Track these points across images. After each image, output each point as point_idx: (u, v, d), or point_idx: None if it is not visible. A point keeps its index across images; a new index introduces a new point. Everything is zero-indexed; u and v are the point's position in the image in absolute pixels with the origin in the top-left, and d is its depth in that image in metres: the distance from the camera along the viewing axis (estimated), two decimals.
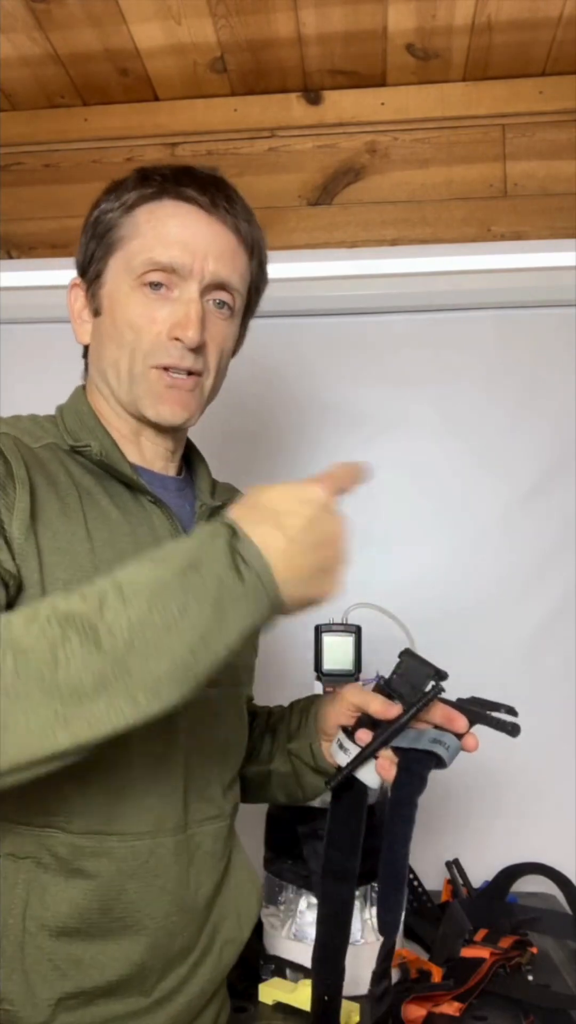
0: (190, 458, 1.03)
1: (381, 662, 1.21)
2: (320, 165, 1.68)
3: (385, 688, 0.88)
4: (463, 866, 1.46)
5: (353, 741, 0.87)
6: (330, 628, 1.24)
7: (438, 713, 0.86)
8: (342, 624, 1.24)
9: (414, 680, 0.86)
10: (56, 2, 1.43)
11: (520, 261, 1.59)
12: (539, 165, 1.64)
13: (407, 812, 0.83)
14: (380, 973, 0.83)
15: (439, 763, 0.84)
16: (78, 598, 0.64)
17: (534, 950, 1.22)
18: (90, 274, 0.93)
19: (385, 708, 0.86)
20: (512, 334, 1.63)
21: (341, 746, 0.88)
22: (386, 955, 0.83)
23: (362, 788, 0.87)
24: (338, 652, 1.23)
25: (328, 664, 1.23)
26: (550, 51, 1.55)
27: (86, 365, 0.99)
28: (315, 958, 0.88)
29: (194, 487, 1.01)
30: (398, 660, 0.89)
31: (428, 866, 1.46)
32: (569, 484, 1.59)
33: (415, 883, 1.40)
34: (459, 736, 0.85)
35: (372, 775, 0.86)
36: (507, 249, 1.60)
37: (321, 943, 0.87)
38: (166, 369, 0.89)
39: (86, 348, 0.98)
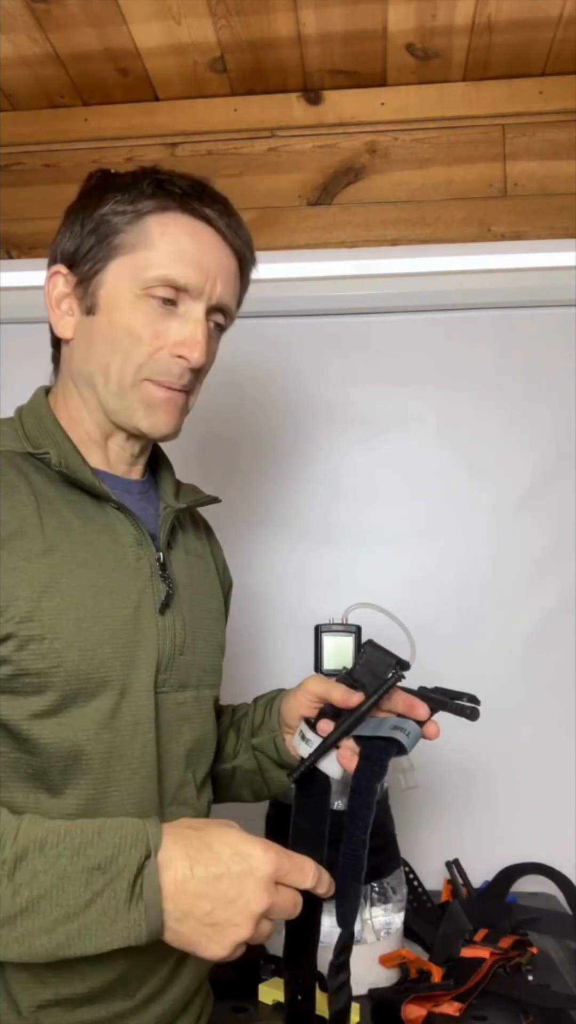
0: (155, 460, 1.02)
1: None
2: (320, 165, 1.68)
3: (348, 679, 0.90)
4: (463, 866, 1.46)
5: (315, 731, 0.88)
6: (330, 628, 1.24)
7: (400, 701, 0.87)
8: (342, 624, 1.24)
9: (376, 669, 0.88)
10: (56, 2, 1.43)
11: (520, 261, 1.59)
12: (539, 165, 1.64)
13: (367, 798, 0.83)
14: (338, 965, 0.82)
15: (400, 750, 0.84)
16: None
17: (534, 950, 1.22)
18: (83, 269, 0.89)
19: (346, 696, 0.88)
20: (512, 334, 1.63)
21: (303, 736, 0.89)
22: (343, 947, 0.82)
23: (325, 780, 0.88)
24: (338, 652, 1.23)
25: (328, 664, 1.23)
26: (550, 51, 1.55)
27: (56, 360, 0.96)
28: (285, 957, 0.87)
29: (158, 489, 1.00)
30: (361, 650, 0.90)
31: (428, 866, 1.47)
32: (569, 484, 1.59)
33: (415, 883, 1.40)
34: (421, 724, 0.86)
35: (334, 765, 0.87)
36: (507, 249, 1.60)
37: (289, 940, 0.86)
38: (158, 383, 0.88)
39: (56, 341, 0.95)
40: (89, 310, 0.89)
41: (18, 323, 1.68)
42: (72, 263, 0.90)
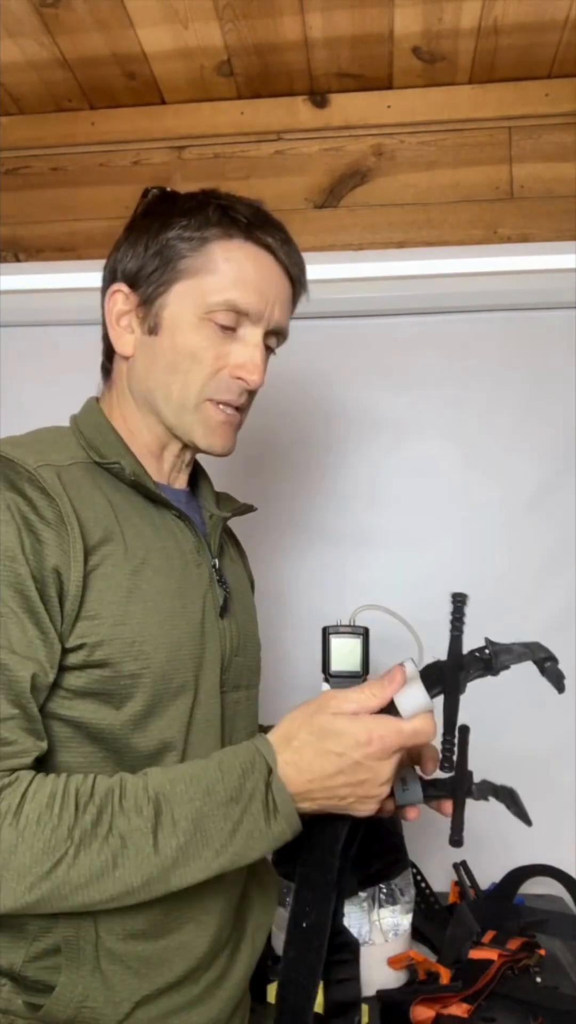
0: (193, 471, 1.05)
1: (386, 664, 1.21)
2: (327, 168, 1.69)
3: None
4: (470, 868, 1.46)
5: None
6: (337, 630, 1.23)
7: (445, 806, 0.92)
8: (349, 626, 1.24)
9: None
10: (64, 6, 1.44)
11: (526, 263, 1.59)
12: (545, 167, 1.64)
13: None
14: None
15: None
16: (135, 813, 0.74)
17: (542, 952, 1.22)
18: (146, 290, 0.92)
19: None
20: (518, 336, 1.63)
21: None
22: None
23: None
24: (346, 654, 1.23)
25: (336, 666, 1.23)
26: (556, 53, 1.56)
27: (108, 373, 0.98)
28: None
29: (199, 499, 1.03)
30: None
31: (436, 868, 1.46)
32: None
33: (423, 885, 1.40)
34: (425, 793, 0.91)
35: (413, 700, 0.86)
36: (513, 251, 1.60)
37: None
38: (218, 402, 0.92)
39: (109, 355, 0.97)
40: (151, 330, 0.92)
41: (25, 326, 1.68)
42: (134, 283, 0.93)
